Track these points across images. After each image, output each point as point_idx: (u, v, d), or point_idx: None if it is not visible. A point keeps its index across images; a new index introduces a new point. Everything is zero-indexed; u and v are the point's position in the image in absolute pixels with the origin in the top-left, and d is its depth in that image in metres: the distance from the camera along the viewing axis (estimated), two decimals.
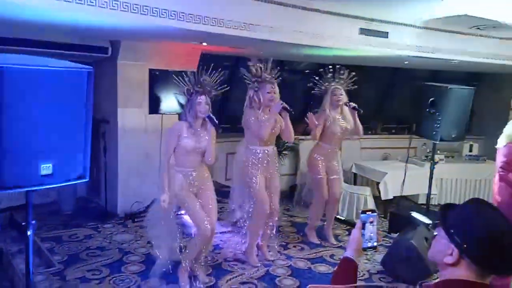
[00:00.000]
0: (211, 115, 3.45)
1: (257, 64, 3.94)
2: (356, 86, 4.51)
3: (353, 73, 4.46)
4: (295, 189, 6.33)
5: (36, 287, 3.40)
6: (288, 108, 3.86)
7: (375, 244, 1.60)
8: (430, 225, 4.05)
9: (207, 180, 3.66)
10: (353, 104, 4.43)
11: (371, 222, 1.61)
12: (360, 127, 4.54)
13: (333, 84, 4.43)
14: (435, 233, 1.43)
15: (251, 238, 4.11)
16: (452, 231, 1.35)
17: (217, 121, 3.45)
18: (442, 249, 1.37)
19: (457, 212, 1.40)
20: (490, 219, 1.34)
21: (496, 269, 1.34)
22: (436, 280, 1.43)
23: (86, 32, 4.41)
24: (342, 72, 4.45)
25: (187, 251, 3.61)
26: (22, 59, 2.26)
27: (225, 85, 3.66)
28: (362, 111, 4.44)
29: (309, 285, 2.21)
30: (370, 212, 1.62)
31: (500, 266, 1.32)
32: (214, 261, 4.11)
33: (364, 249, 1.60)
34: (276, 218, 4.23)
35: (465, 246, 1.31)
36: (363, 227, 1.60)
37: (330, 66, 4.44)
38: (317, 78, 4.49)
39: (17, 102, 1.95)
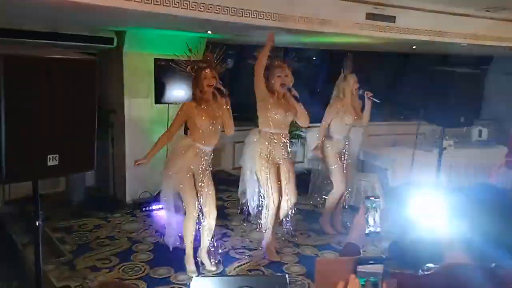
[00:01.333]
0: (219, 85, 3.45)
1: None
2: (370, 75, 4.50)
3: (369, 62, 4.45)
4: (304, 177, 6.37)
5: (47, 277, 3.45)
6: (297, 97, 3.83)
7: (378, 229, 1.60)
8: None
9: (210, 166, 3.69)
10: (370, 94, 4.42)
11: (375, 208, 1.61)
12: (369, 118, 4.56)
13: (348, 71, 4.41)
14: None
15: (267, 233, 4.00)
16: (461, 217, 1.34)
17: (223, 89, 3.45)
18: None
19: (465, 200, 1.39)
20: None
21: None
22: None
23: (91, 21, 4.40)
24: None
25: (184, 235, 3.68)
26: (28, 50, 2.27)
27: (227, 63, 3.68)
28: (379, 101, 4.43)
29: (317, 258, 2.21)
30: (374, 198, 1.62)
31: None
32: (222, 248, 4.14)
33: (368, 234, 1.60)
34: (289, 210, 4.08)
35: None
36: (367, 213, 1.61)
37: (338, 55, 4.41)
38: (347, 61, 4.45)
39: (23, 92, 1.96)
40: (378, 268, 1.09)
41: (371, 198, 1.63)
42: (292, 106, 3.90)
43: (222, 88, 3.46)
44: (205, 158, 3.59)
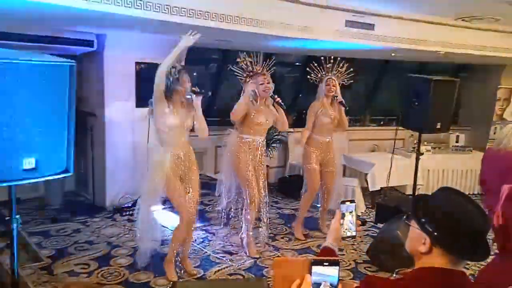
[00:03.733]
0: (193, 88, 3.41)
1: (247, 59, 3.95)
2: (352, 81, 4.60)
3: (351, 68, 4.53)
4: (285, 181, 6.43)
5: (23, 282, 3.40)
6: (282, 104, 3.94)
7: (354, 233, 1.62)
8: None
9: (193, 163, 3.63)
10: (340, 99, 4.47)
11: (350, 212, 1.63)
12: (346, 121, 4.64)
13: (329, 74, 4.47)
14: (409, 224, 1.46)
15: (247, 227, 4.11)
16: (423, 220, 1.38)
17: (198, 90, 3.40)
18: (415, 238, 1.41)
19: (428, 202, 1.44)
20: (459, 206, 1.37)
21: (468, 255, 1.38)
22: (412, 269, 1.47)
23: (71, 23, 4.37)
24: (341, 65, 4.51)
25: (171, 242, 3.64)
26: (3, 53, 2.24)
27: (202, 91, 3.60)
28: (347, 107, 4.52)
29: (275, 258, 2.24)
30: (349, 202, 1.64)
31: (471, 252, 1.36)
32: (202, 253, 4.14)
33: (343, 238, 1.62)
34: (266, 209, 4.23)
35: (435, 234, 1.35)
36: (342, 217, 1.63)
37: (331, 58, 4.49)
38: (315, 64, 4.51)
39: None
40: (333, 269, 1.13)
41: (346, 203, 1.65)
42: (271, 111, 3.99)
43: (197, 89, 3.43)
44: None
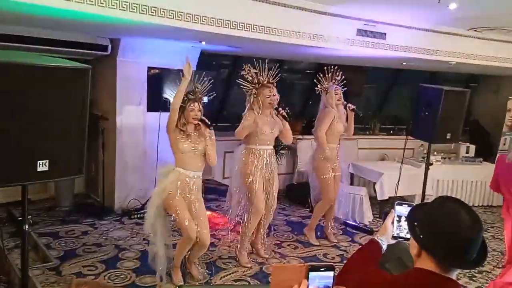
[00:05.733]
0: (203, 117, 3.50)
1: (252, 70, 3.95)
2: (345, 88, 4.60)
3: (343, 76, 4.55)
4: (293, 188, 6.42)
5: (32, 282, 3.44)
6: (286, 117, 3.96)
7: (408, 236, 1.59)
8: None
9: (199, 189, 3.64)
10: (352, 106, 4.49)
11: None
12: (353, 129, 4.66)
13: (333, 84, 4.50)
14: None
15: (242, 239, 4.12)
16: (415, 223, 1.43)
17: (208, 122, 3.49)
18: (412, 242, 1.46)
19: (422, 207, 1.49)
20: (450, 213, 1.38)
21: (454, 261, 1.38)
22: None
23: (86, 29, 4.44)
24: (337, 74, 4.53)
25: (177, 249, 3.65)
26: (21, 56, 2.30)
27: (213, 93, 3.79)
28: (361, 114, 4.51)
29: (273, 264, 2.27)
30: (406, 206, 1.63)
31: (458, 259, 1.37)
32: (208, 258, 4.15)
33: (395, 237, 1.66)
34: (271, 218, 4.26)
35: (421, 237, 1.39)
36: (399, 219, 1.64)
37: (331, 67, 4.51)
38: (321, 75, 4.54)
39: (14, 98, 1.99)
40: (329, 274, 1.16)
41: (403, 205, 1.64)
42: (277, 122, 4.01)
43: (206, 120, 3.49)
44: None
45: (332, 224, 4.92)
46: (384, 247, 1.66)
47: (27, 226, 2.32)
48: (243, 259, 4.09)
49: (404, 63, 6.06)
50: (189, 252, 3.69)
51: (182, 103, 3.47)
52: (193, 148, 3.50)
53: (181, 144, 3.48)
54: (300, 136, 6.48)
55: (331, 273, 1.16)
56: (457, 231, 1.35)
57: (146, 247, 4.23)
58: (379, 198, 5.68)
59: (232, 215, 4.17)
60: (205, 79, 3.62)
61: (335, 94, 4.47)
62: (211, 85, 3.66)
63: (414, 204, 1.60)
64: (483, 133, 7.91)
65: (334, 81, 4.51)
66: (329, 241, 4.73)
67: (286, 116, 3.96)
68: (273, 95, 3.93)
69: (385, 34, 4.78)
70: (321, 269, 1.16)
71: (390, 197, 5.66)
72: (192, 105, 3.48)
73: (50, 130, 2.12)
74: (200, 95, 3.58)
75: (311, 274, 1.15)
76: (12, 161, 2.00)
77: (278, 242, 4.67)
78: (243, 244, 4.12)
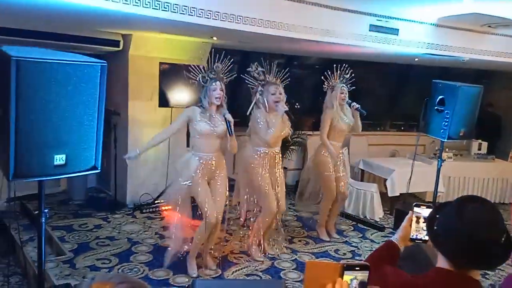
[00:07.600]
0: (229, 117, 3.51)
1: (259, 68, 3.95)
2: (354, 87, 4.58)
3: (353, 74, 4.52)
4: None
5: (46, 274, 3.49)
6: (290, 114, 3.97)
7: (426, 238, 1.58)
8: None
9: (223, 168, 3.72)
10: (356, 105, 4.48)
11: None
12: (360, 126, 4.63)
13: (339, 81, 4.48)
14: None
15: (255, 234, 4.13)
16: (434, 224, 1.41)
17: (232, 128, 3.52)
18: (429, 242, 1.47)
19: (445, 208, 1.45)
20: (467, 214, 1.34)
21: (469, 263, 1.36)
22: None
23: (99, 24, 4.47)
24: (346, 71, 4.51)
25: (194, 239, 3.69)
26: (38, 52, 2.32)
27: (234, 73, 3.78)
28: (365, 113, 4.49)
29: (307, 260, 2.25)
30: (425, 207, 1.61)
31: (472, 259, 1.34)
32: (220, 252, 4.17)
33: (413, 240, 1.64)
34: (282, 215, 4.27)
35: (434, 236, 1.40)
36: (417, 220, 1.62)
37: (341, 64, 4.49)
38: (329, 72, 4.52)
39: (33, 94, 2.01)
40: (364, 274, 1.14)
41: (421, 206, 1.62)
42: (284, 122, 4.01)
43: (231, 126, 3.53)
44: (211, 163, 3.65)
45: (338, 220, 4.92)
46: (401, 249, 1.64)
47: (43, 220, 2.36)
48: (256, 254, 4.11)
49: (417, 59, 6.01)
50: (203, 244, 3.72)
51: (204, 83, 3.51)
52: (212, 130, 3.52)
53: (200, 125, 3.50)
54: (310, 132, 6.47)
55: (365, 272, 1.14)
56: (473, 233, 1.32)
57: (159, 241, 4.29)
58: (390, 195, 5.66)
59: (242, 209, 4.19)
60: (225, 59, 3.65)
61: (341, 93, 4.45)
62: (231, 65, 3.69)
63: (432, 205, 1.58)
64: (494, 117, 7.74)
65: (342, 78, 4.49)
66: (330, 236, 4.75)
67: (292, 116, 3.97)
68: (279, 93, 3.91)
69: (398, 29, 4.74)
70: (356, 268, 1.14)
71: (401, 194, 5.65)
72: (214, 84, 3.49)
73: (68, 126, 2.14)
74: (221, 75, 3.59)
75: (346, 273, 1.12)
76: (30, 155, 2.03)
77: (289, 237, 4.68)
78: (256, 240, 4.13)
